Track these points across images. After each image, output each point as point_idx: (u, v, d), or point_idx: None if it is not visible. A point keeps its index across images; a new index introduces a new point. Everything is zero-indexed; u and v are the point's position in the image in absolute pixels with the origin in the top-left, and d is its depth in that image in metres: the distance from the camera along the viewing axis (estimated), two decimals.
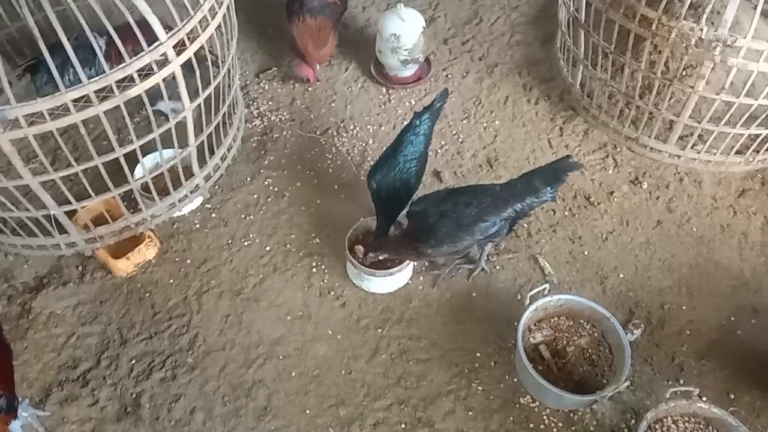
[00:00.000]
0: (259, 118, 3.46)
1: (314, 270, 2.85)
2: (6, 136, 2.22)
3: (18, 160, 2.33)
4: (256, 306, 2.75)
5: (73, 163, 2.44)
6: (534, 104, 3.49)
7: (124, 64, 2.26)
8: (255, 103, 3.52)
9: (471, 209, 2.43)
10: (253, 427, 2.41)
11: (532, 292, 2.47)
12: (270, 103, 3.54)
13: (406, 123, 3.32)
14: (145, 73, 2.34)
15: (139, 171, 2.89)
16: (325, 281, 2.81)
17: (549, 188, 2.48)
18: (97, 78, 2.22)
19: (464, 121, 3.42)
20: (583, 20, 3.12)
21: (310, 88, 3.61)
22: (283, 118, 3.46)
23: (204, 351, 2.62)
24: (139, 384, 2.54)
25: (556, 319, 2.58)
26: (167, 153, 2.76)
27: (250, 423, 2.42)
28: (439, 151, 3.28)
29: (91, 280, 2.83)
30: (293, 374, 2.54)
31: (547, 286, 2.48)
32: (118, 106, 2.33)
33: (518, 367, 2.50)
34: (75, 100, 2.23)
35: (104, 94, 2.28)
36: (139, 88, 2.35)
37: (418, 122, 2.77)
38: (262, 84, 3.62)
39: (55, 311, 2.74)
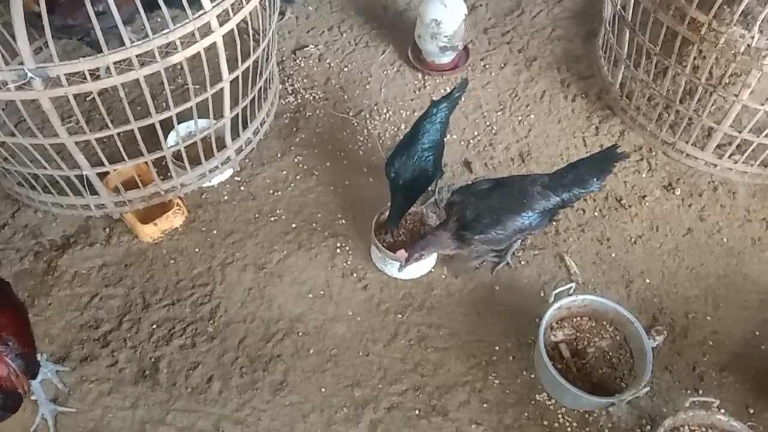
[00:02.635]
0: (293, 95, 3.45)
1: (338, 251, 2.85)
2: (46, 94, 2.23)
3: (56, 118, 2.35)
4: (279, 281, 2.76)
5: (110, 125, 2.45)
6: (571, 101, 3.44)
7: (167, 30, 2.26)
8: (290, 80, 3.51)
9: (520, 198, 2.43)
10: (268, 401, 2.43)
11: (557, 290, 2.45)
12: (305, 80, 3.53)
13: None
14: (188, 40, 2.34)
15: (171, 139, 2.90)
16: (349, 262, 2.81)
17: (596, 179, 2.46)
18: (139, 42, 2.22)
19: (499, 113, 3.38)
20: (629, 19, 3.06)
21: (345, 69, 3.59)
22: (316, 97, 3.45)
23: (224, 321, 2.64)
24: (158, 349, 2.56)
25: (578, 319, 2.56)
26: (201, 123, 2.76)
27: (265, 396, 2.44)
28: (471, 141, 3.26)
29: (118, 243, 2.85)
30: (311, 351, 2.55)
31: (573, 285, 2.46)
32: (156, 72, 2.34)
33: (537, 363, 2.48)
34: (116, 63, 2.23)
35: (146, 59, 2.28)
36: (180, 56, 2.35)
37: (435, 111, 2.74)
38: (298, 61, 3.61)
39: (80, 271, 2.77)
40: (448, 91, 3.45)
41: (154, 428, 2.36)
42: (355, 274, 2.78)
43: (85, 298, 2.69)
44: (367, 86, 3.52)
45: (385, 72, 3.59)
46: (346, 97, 3.46)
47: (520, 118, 3.37)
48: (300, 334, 2.60)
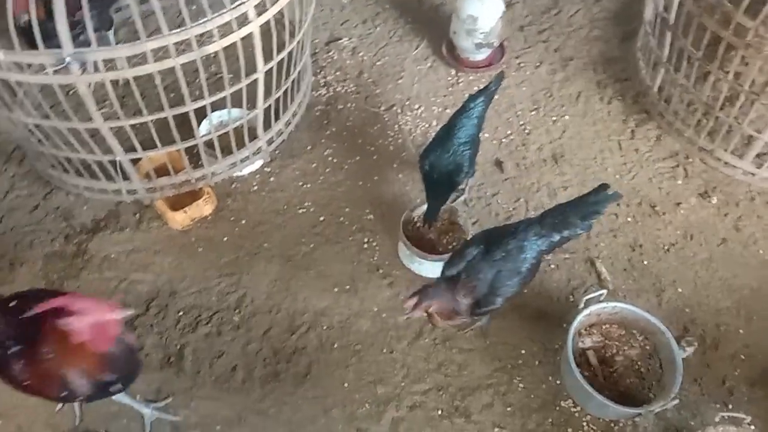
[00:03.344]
0: (325, 87, 3.44)
1: (365, 246, 2.84)
2: (83, 79, 2.24)
3: (92, 103, 2.36)
4: (305, 274, 2.75)
5: (144, 111, 2.46)
6: (607, 103, 3.38)
7: (205, 19, 2.26)
8: (322, 72, 3.50)
9: (518, 253, 2.27)
10: (291, 393, 2.43)
11: (588, 296, 2.41)
12: (337, 73, 3.51)
13: None
14: (225, 30, 2.34)
15: (203, 127, 2.91)
16: (375, 258, 2.80)
17: (584, 222, 2.30)
18: (177, 30, 2.22)
19: (533, 113, 3.34)
20: (671, 22, 2.99)
21: (378, 63, 3.57)
22: (348, 90, 3.43)
23: (250, 312, 2.64)
24: (184, 336, 2.58)
25: (608, 326, 2.52)
26: (234, 112, 2.76)
27: (288, 388, 2.44)
28: (503, 140, 3.22)
29: (147, 229, 2.87)
30: (335, 346, 2.55)
31: (604, 292, 2.42)
32: (191, 61, 2.34)
33: (563, 369, 2.45)
34: (154, 50, 2.24)
35: (182, 47, 2.28)
36: (217, 45, 2.35)
37: (472, 105, 2.69)
38: (331, 53, 3.60)
39: (110, 255, 2.79)
40: (482, 88, 3.44)
41: (176, 414, 2.37)
42: (381, 270, 2.76)
43: (113, 282, 2.71)
44: (400, 81, 3.49)
45: (418, 67, 3.56)
46: (378, 91, 3.44)
47: (554, 118, 3.32)
48: (324, 327, 2.60)
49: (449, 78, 3.51)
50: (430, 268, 2.69)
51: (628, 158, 3.15)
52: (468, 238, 2.70)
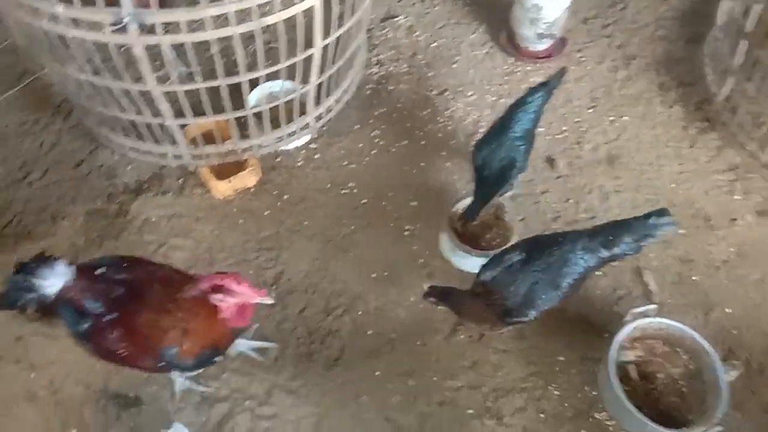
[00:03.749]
0: (378, 66, 3.36)
1: (407, 233, 2.78)
2: (141, 41, 2.20)
3: (147, 65, 2.32)
4: (344, 256, 2.71)
5: (198, 78, 2.42)
6: (668, 107, 3.25)
7: None
8: (376, 50, 3.42)
9: (559, 267, 2.18)
10: (322, 375, 2.40)
11: (636, 310, 2.32)
12: (391, 52, 3.42)
13: None
14: (286, 2, 2.27)
15: (253, 97, 2.86)
16: (416, 247, 2.74)
17: (636, 243, 2.21)
18: None
19: (590, 111, 3.22)
20: (748, 30, 2.84)
21: (433, 44, 3.47)
22: (401, 70, 3.35)
23: (287, 289, 2.61)
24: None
25: (651, 341, 2.43)
26: (286, 84, 2.71)
27: (319, 370, 2.42)
28: (558, 136, 3.11)
29: (190, 195, 2.85)
30: (369, 332, 2.51)
31: (654, 307, 2.33)
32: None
33: (601, 381, 2.38)
34: (214, 17, 2.18)
35: (243, 16, 2.22)
36: (277, 17, 2.28)
37: (530, 99, 2.59)
38: (386, 31, 3.51)
39: (150, 218, 2.78)
40: (539, 80, 3.32)
41: (207, 386, 2.36)
42: (421, 260, 2.71)
43: (152, 246, 2.70)
44: (454, 65, 3.39)
45: (475, 52, 3.45)
46: (431, 74, 3.35)
47: (612, 118, 3.20)
48: (360, 312, 2.56)
49: (506, 66, 3.40)
50: (472, 264, 2.62)
51: (686, 167, 3.03)
52: (512, 236, 2.64)
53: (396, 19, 3.56)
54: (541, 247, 2.23)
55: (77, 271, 1.94)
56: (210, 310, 1.86)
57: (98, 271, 1.96)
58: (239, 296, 1.79)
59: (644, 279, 2.68)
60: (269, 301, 1.82)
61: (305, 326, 2.52)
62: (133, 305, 1.92)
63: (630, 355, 2.40)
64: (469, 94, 3.27)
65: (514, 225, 2.66)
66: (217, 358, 2.03)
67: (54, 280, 1.89)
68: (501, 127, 2.59)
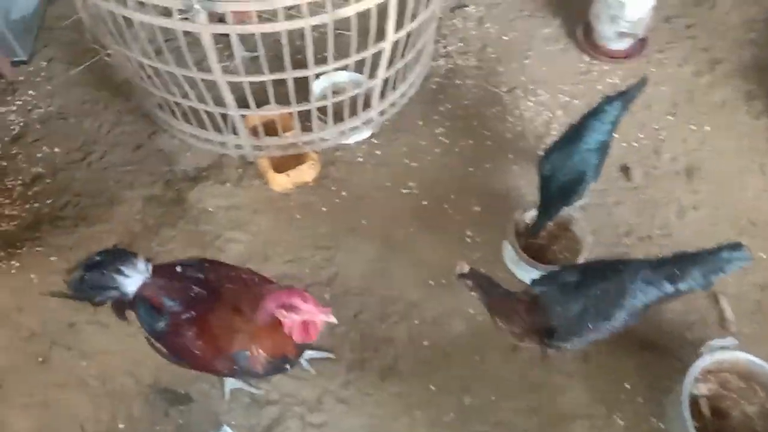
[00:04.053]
0: (445, 58, 3.21)
1: (468, 240, 2.67)
2: (209, 29, 2.11)
3: (213, 54, 2.24)
4: (402, 260, 2.61)
5: (265, 71, 2.32)
6: (754, 118, 3.02)
7: None
8: (444, 41, 3.27)
9: (617, 297, 2.03)
10: (375, 385, 2.33)
11: (714, 343, 2.17)
12: (460, 44, 3.27)
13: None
14: None
15: (317, 87, 2.76)
16: (477, 255, 2.62)
17: (705, 279, 2.04)
18: None
19: (670, 117, 3.02)
20: None
21: (505, 37, 3.30)
22: (469, 64, 3.20)
23: (342, 291, 2.53)
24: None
25: (726, 374, 2.27)
26: (353, 76, 2.59)
27: (372, 379, 2.34)
28: (634, 144, 2.93)
29: (248, 186, 2.79)
30: (425, 344, 2.41)
31: (735, 342, 2.17)
32: None
33: (670, 413, 2.24)
34: (286, 8, 2.07)
35: (315, 8, 2.11)
36: (352, 9, 2.16)
37: (606, 108, 2.42)
38: (455, 21, 3.35)
39: (207, 208, 2.72)
40: (616, 81, 3.15)
41: (257, 387, 2.31)
42: (482, 270, 2.57)
43: (208, 237, 2.65)
44: (526, 61, 3.22)
45: (548, 48, 3.27)
46: (500, 69, 3.19)
47: (693, 126, 2.99)
48: (416, 321, 2.46)
49: (581, 65, 3.21)
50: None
51: None
52: (581, 249, 2.50)
53: (467, 8, 3.40)
54: (600, 273, 2.10)
55: (155, 269, 1.89)
56: (278, 324, 1.79)
57: (177, 269, 1.91)
58: (304, 314, 1.71)
59: (720, 305, 2.52)
60: (333, 320, 1.73)
61: (359, 332, 2.44)
62: (209, 304, 1.86)
63: (702, 389, 2.24)
64: (540, 92, 3.10)
65: (584, 238, 2.52)
66: (287, 366, 1.96)
67: (135, 278, 1.85)
68: (573, 136, 2.44)
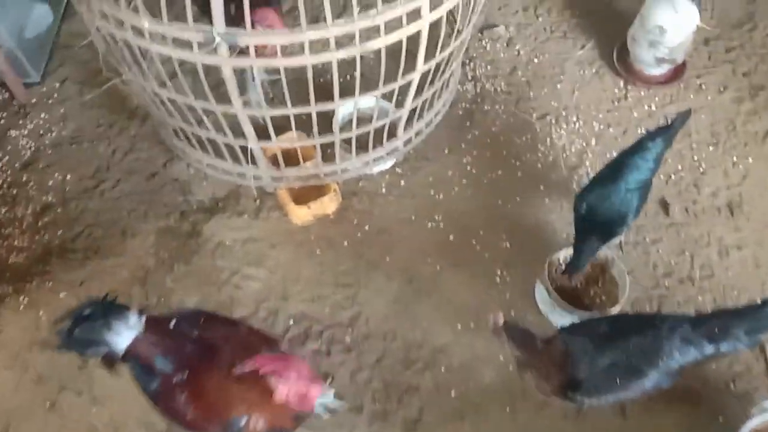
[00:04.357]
0: (473, 82, 3.07)
1: (497, 279, 2.52)
2: (231, 62, 1.99)
3: (234, 87, 2.11)
4: (427, 300, 2.48)
5: (288, 104, 2.20)
6: None
7: (373, 13, 1.94)
8: (471, 64, 3.13)
9: (652, 354, 1.88)
10: None
11: (765, 403, 2.02)
12: (488, 67, 3.13)
13: (640, 131, 2.90)
14: (393, 25, 2.01)
15: (341, 113, 2.63)
16: (508, 296, 2.48)
17: (750, 337, 1.89)
18: (342, 22, 1.92)
19: (711, 148, 2.86)
20: None
21: (535, 60, 3.15)
22: (498, 89, 3.05)
23: (364, 333, 2.40)
24: (291, 349, 2.37)
25: None
26: (381, 104, 2.45)
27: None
28: (672, 176, 2.78)
29: (267, 218, 2.66)
30: (452, 394, 2.27)
31: None
32: None
33: None
34: (312, 41, 1.94)
35: (344, 41, 1.98)
36: (381, 41, 2.03)
37: (649, 145, 2.27)
38: (483, 42, 3.21)
39: (224, 241, 2.60)
40: (653, 109, 3.00)
41: None
42: (513, 312, 2.45)
43: (225, 273, 2.53)
44: (558, 85, 3.07)
45: (582, 72, 3.12)
46: (531, 94, 3.04)
47: (734, 158, 2.84)
48: (442, 369, 2.32)
49: (616, 90, 3.06)
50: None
51: None
52: (620, 293, 2.36)
53: (495, 29, 3.25)
54: (635, 326, 1.96)
55: (148, 322, 1.77)
56: (270, 392, 1.67)
57: (171, 324, 1.78)
58: (292, 382, 1.58)
59: (767, 355, 2.36)
60: (329, 398, 1.63)
61: (381, 379, 2.31)
62: (204, 365, 1.74)
63: None
64: (573, 119, 2.96)
65: (622, 280, 2.38)
66: None
67: (126, 334, 1.72)
68: (612, 174, 2.29)
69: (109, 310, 1.74)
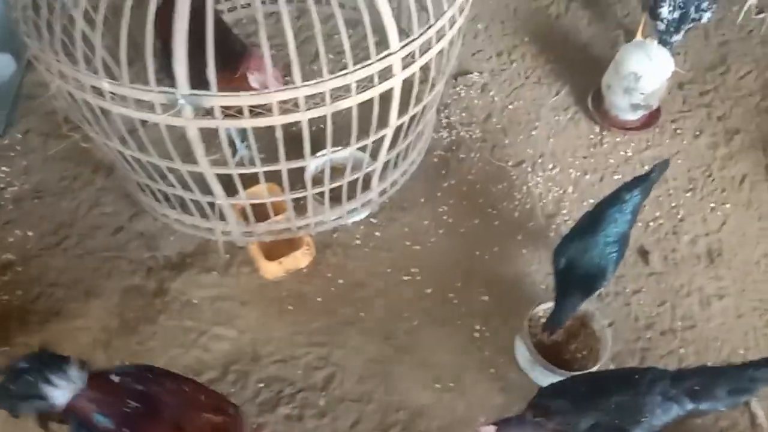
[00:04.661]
0: (447, 130, 3.03)
1: (476, 334, 2.45)
2: (195, 124, 1.92)
3: (200, 147, 2.04)
4: (405, 359, 2.39)
5: (257, 162, 2.13)
6: None
7: (345, 72, 1.89)
8: (446, 111, 3.09)
9: (633, 411, 1.83)
10: None
11: None
12: (463, 114, 3.09)
13: (616, 177, 2.88)
14: (364, 85, 1.96)
15: (313, 165, 2.57)
16: (487, 353, 2.41)
17: (731, 398, 1.86)
18: (312, 82, 1.86)
19: (688, 194, 2.84)
20: None
21: (510, 106, 3.13)
22: (474, 136, 3.01)
23: (338, 396, 2.31)
24: (262, 414, 2.27)
25: None
26: (355, 154, 2.38)
27: None
28: (651, 223, 2.74)
29: (237, 274, 2.57)
30: None
31: None
32: None
33: None
34: (281, 102, 1.88)
35: (314, 101, 1.92)
36: (352, 100, 1.97)
37: (627, 197, 2.24)
38: (458, 89, 3.17)
39: (192, 300, 2.50)
40: (629, 154, 2.99)
41: None
42: (493, 370, 2.37)
43: (192, 334, 2.42)
44: (534, 132, 3.04)
45: (557, 118, 3.10)
46: (507, 141, 3.01)
47: (713, 204, 2.82)
48: None
49: (592, 136, 3.04)
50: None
51: None
52: (601, 348, 2.30)
53: (470, 75, 3.22)
54: (614, 384, 1.91)
55: (91, 377, 1.66)
56: None
57: (114, 379, 1.68)
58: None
59: (752, 409, 2.30)
60: None
61: None
62: (148, 423, 1.64)
63: None
64: (550, 166, 2.92)
65: (604, 334, 2.32)
66: None
67: (66, 388, 1.60)
68: (591, 226, 2.25)
69: (47, 363, 1.62)
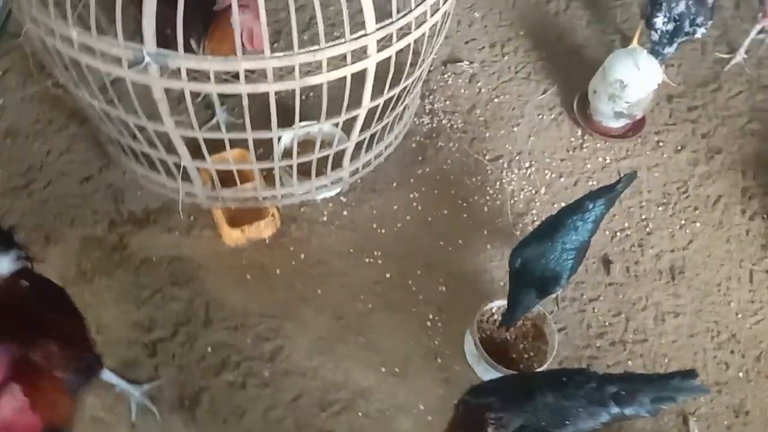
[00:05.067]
0: (429, 116, 3.01)
1: (429, 324, 2.46)
2: (161, 83, 1.90)
3: (166, 107, 2.02)
4: (354, 340, 2.40)
5: (223, 129, 2.11)
6: (748, 219, 2.84)
7: (315, 48, 1.87)
8: (431, 97, 3.06)
9: (560, 418, 1.83)
10: None
11: None
12: (447, 102, 3.07)
13: (591, 183, 2.87)
14: (336, 63, 1.94)
15: (286, 138, 2.56)
16: (437, 342, 2.42)
17: (653, 405, 1.87)
18: (280, 55, 1.84)
19: (660, 208, 2.83)
20: None
21: (496, 99, 3.10)
22: (455, 126, 2.99)
23: (283, 369, 2.32)
24: (205, 378, 2.28)
25: None
26: (325, 129, 2.36)
27: None
28: (618, 233, 2.74)
29: (198, 237, 2.57)
30: None
31: None
32: None
33: None
34: (248, 71, 1.86)
35: (283, 73, 1.90)
36: (322, 77, 1.95)
37: (590, 206, 2.23)
38: (446, 76, 3.15)
39: (151, 257, 2.50)
40: (607, 161, 2.97)
41: None
42: (440, 360, 2.39)
43: (146, 291, 2.43)
44: (515, 128, 3.02)
45: (540, 116, 3.08)
46: (487, 134, 2.99)
47: (683, 221, 2.81)
48: (360, 414, 2.25)
49: (572, 139, 3.02)
50: None
51: (759, 295, 2.64)
52: (549, 352, 2.31)
53: (459, 63, 3.19)
54: (545, 385, 1.89)
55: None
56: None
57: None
58: None
59: (689, 428, 2.33)
60: None
61: (295, 419, 2.23)
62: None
63: None
64: (526, 165, 2.91)
65: (554, 338, 2.33)
66: None
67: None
68: (550, 231, 2.24)
69: None
